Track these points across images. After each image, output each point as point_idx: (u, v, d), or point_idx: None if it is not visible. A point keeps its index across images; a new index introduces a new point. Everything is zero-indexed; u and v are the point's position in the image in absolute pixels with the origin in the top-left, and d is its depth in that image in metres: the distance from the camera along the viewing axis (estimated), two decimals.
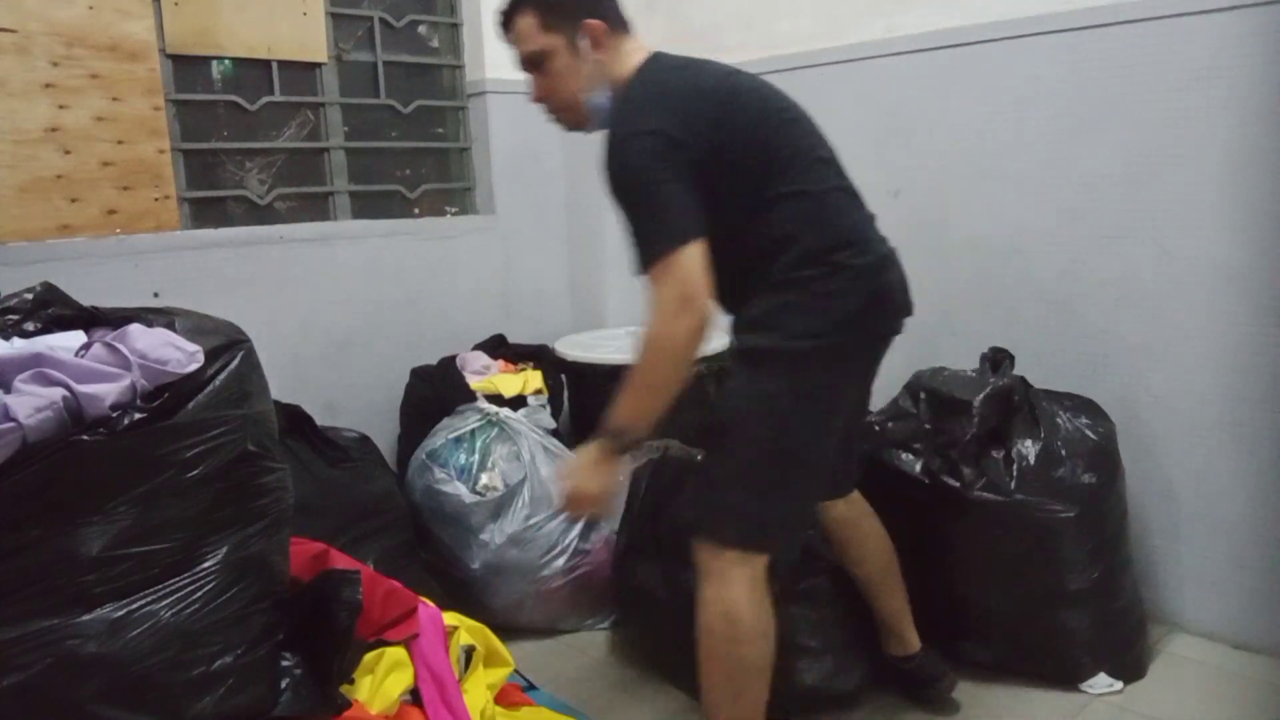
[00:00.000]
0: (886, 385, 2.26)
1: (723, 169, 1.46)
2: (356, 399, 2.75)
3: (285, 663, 1.27)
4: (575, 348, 2.78)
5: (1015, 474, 1.95)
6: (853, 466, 1.82)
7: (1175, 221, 2.08)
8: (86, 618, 1.10)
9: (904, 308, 1.59)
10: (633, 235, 1.46)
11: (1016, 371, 2.10)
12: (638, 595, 2.08)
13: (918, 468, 2.02)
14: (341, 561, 1.48)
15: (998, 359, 2.14)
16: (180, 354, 1.22)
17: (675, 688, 2.05)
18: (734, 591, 1.49)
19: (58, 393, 1.12)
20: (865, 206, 1.62)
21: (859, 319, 1.49)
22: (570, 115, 1.64)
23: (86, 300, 2.24)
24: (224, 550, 1.22)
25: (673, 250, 1.40)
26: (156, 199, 2.40)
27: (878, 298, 1.51)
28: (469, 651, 1.54)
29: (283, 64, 2.65)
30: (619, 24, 1.61)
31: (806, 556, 1.93)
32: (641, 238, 1.45)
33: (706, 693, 1.55)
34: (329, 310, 2.68)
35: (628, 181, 1.46)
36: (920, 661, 1.91)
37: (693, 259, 1.40)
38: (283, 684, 1.24)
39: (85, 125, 2.27)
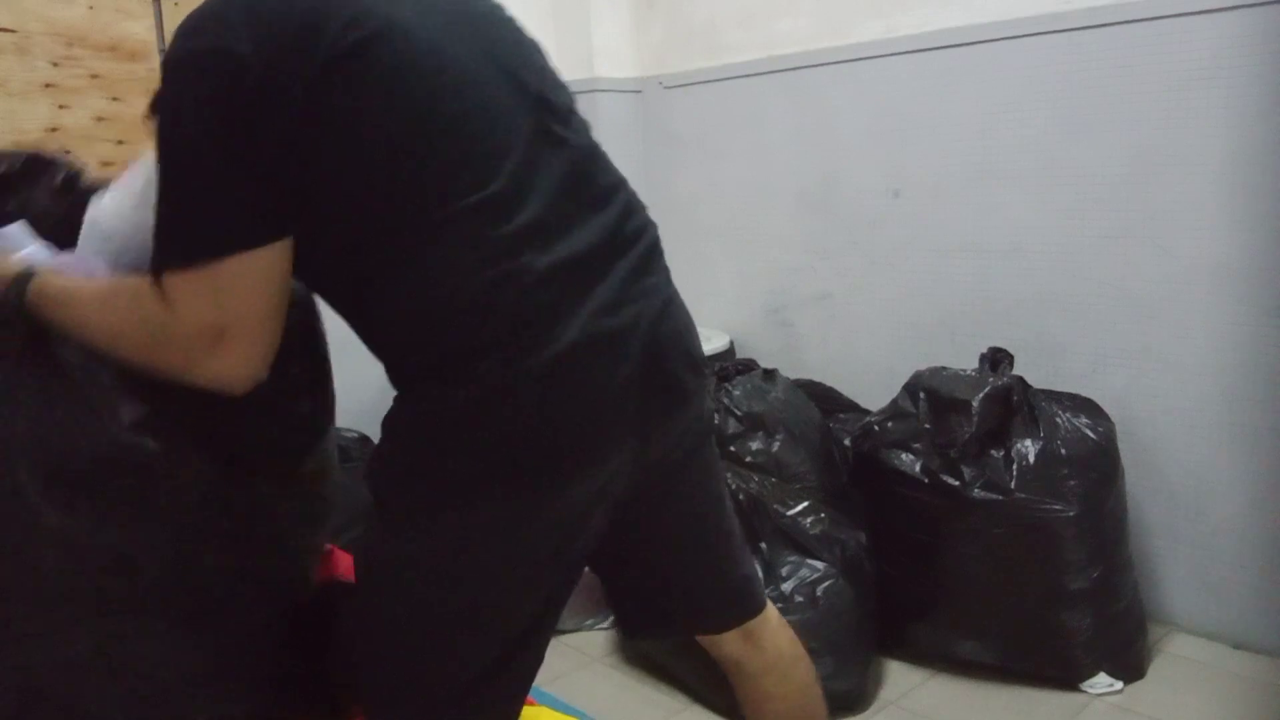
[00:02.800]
0: (887, 385, 2.27)
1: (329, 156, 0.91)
2: (356, 399, 2.74)
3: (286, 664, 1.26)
4: None
5: (1015, 474, 1.95)
6: (729, 587, 1.26)
7: (1175, 221, 2.08)
8: None
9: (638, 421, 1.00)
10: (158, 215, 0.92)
11: (1016, 371, 2.10)
12: None
13: (917, 467, 2.02)
14: (345, 561, 1.47)
15: (997, 359, 2.13)
16: None
17: (675, 688, 2.05)
18: None
19: None
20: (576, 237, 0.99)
21: (531, 458, 0.94)
22: None
23: None
24: None
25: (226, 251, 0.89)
26: None
27: (556, 421, 0.94)
28: None
29: None
30: None
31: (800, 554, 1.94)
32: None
33: None
34: (329, 310, 2.67)
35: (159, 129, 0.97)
36: None
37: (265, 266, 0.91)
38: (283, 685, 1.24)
39: (85, 125, 2.27)
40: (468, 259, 0.92)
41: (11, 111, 2.16)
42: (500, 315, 0.92)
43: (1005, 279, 2.37)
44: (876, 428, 2.11)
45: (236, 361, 0.92)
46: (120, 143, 2.32)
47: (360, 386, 2.77)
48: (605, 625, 2.30)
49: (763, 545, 1.94)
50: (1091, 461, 1.97)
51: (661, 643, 2.07)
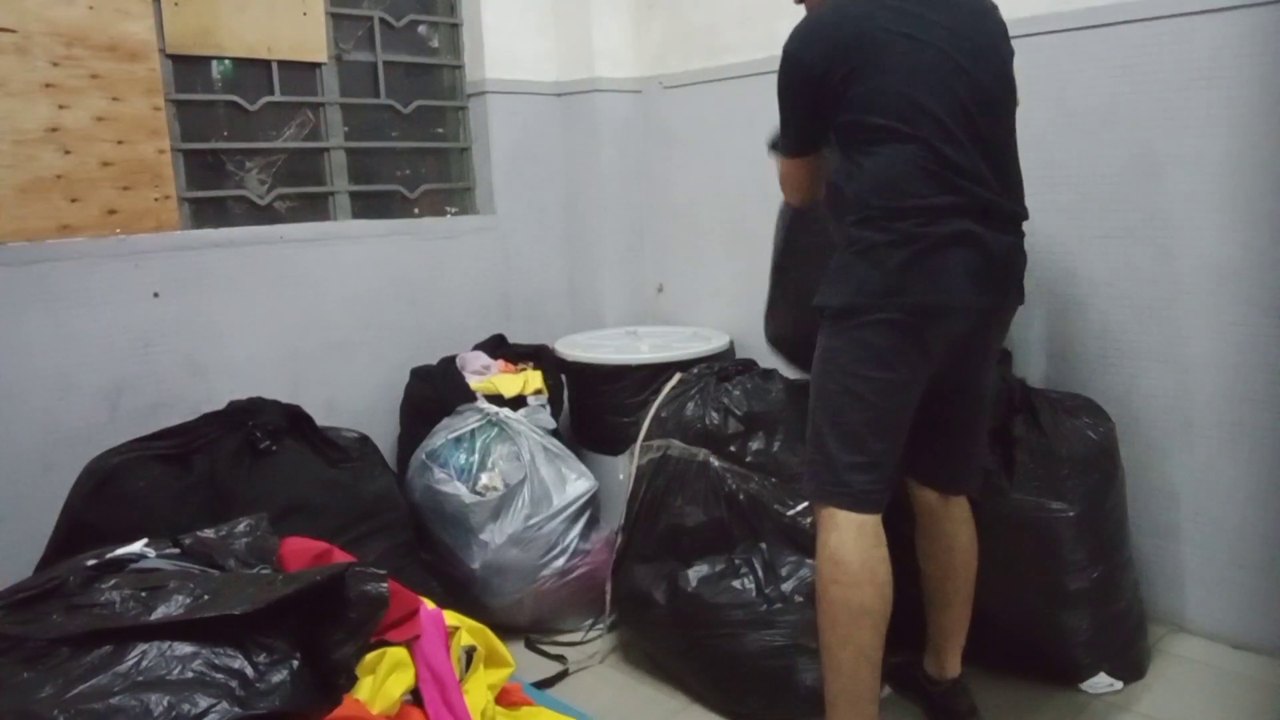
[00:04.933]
0: None
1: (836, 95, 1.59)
2: (356, 399, 2.75)
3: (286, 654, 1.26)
4: (575, 348, 2.78)
5: (1015, 474, 1.95)
6: (959, 468, 1.79)
7: (1175, 221, 2.09)
8: None
9: (954, 290, 1.55)
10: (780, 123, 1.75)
11: (1016, 372, 2.10)
12: (637, 596, 2.08)
13: None
14: (343, 559, 1.48)
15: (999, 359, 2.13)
16: None
17: (675, 688, 2.05)
18: (837, 537, 1.58)
19: None
20: (967, 172, 1.55)
21: (909, 290, 1.52)
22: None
23: (87, 300, 2.25)
24: None
25: (788, 155, 1.78)
26: (156, 199, 2.40)
27: (934, 271, 1.52)
28: (470, 652, 1.54)
29: (283, 64, 2.65)
30: None
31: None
32: (781, 128, 1.76)
33: (819, 638, 1.62)
34: (329, 310, 2.68)
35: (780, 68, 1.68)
36: (950, 690, 1.86)
37: (800, 167, 1.78)
38: (283, 676, 1.23)
39: (85, 125, 2.27)
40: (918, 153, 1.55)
41: (11, 111, 2.16)
42: (914, 193, 1.53)
43: None
44: None
45: (796, 198, 1.86)
46: (120, 143, 2.32)
47: (360, 386, 2.80)
48: (605, 626, 2.30)
49: (762, 545, 1.94)
50: (1091, 461, 1.97)
51: (662, 643, 2.07)
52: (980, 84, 1.56)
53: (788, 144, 1.73)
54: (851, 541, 1.57)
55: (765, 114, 2.88)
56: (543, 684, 2.06)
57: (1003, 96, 1.62)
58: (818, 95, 1.60)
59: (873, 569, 1.57)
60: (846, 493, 1.59)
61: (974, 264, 1.54)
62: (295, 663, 1.24)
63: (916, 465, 1.76)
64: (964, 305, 1.56)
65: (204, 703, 1.14)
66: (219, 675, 1.18)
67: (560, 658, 2.20)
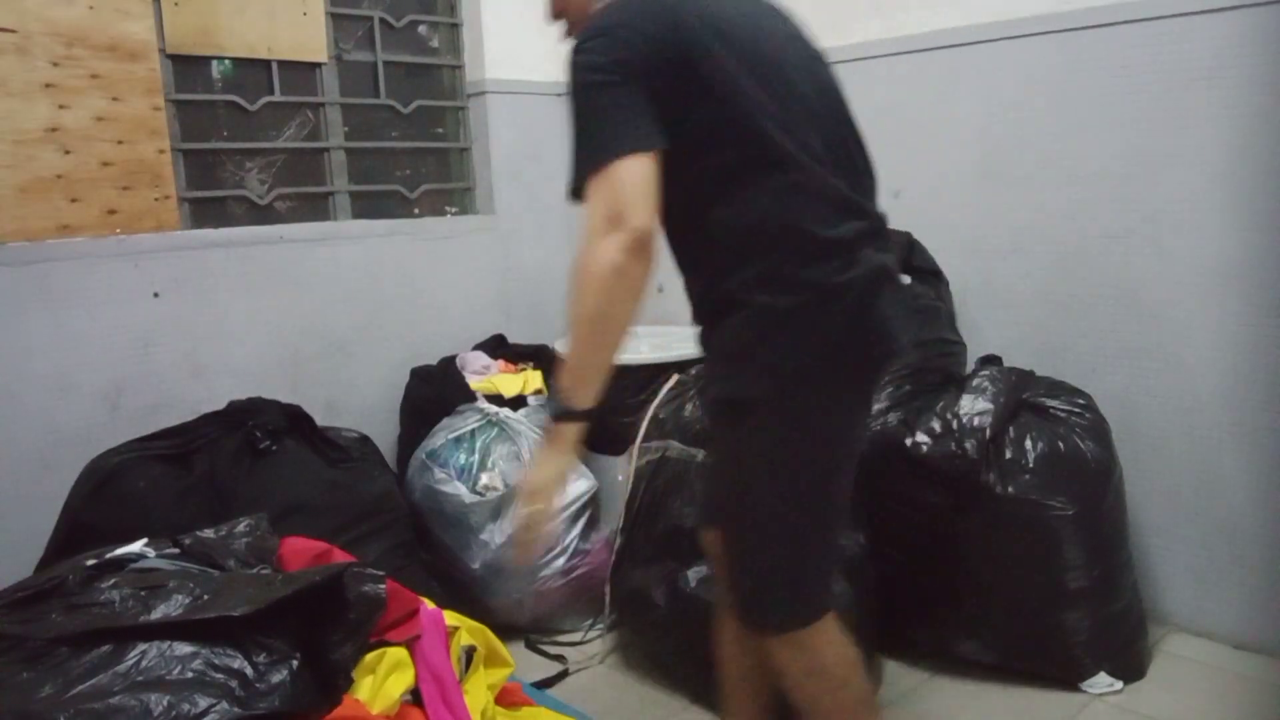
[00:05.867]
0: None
1: (690, 112, 1.22)
2: (356, 399, 2.75)
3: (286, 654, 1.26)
4: None
5: (1014, 473, 1.95)
6: None
7: (1175, 221, 2.09)
8: None
9: (897, 336, 1.29)
10: (571, 152, 1.23)
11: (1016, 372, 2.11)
12: (636, 597, 2.08)
13: (918, 467, 2.02)
14: (343, 559, 1.48)
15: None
16: None
17: (675, 688, 2.05)
18: (805, 653, 1.37)
19: None
20: (862, 204, 1.34)
21: (846, 349, 1.25)
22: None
23: (87, 300, 2.25)
24: None
25: (608, 162, 1.17)
26: (156, 199, 2.40)
27: (865, 323, 1.26)
28: (470, 652, 1.54)
29: (283, 64, 2.65)
30: None
31: None
32: (576, 151, 1.22)
33: None
34: (329, 310, 2.68)
35: (572, 85, 1.23)
36: None
37: (633, 171, 1.17)
38: (282, 676, 1.23)
39: (85, 125, 2.27)
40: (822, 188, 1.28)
41: (11, 111, 2.16)
42: (827, 235, 1.25)
43: (1005, 279, 2.37)
44: (877, 426, 2.11)
45: (640, 219, 1.20)
46: (120, 143, 2.32)
47: (360, 386, 2.79)
48: (605, 626, 2.30)
49: None
50: (1090, 461, 1.97)
51: (662, 643, 2.07)
52: (822, 78, 1.39)
53: (628, 138, 1.19)
54: (820, 649, 1.37)
55: None
56: (543, 684, 2.06)
57: (835, 83, 1.45)
58: (661, 76, 1.21)
59: (848, 656, 1.40)
60: (828, 601, 1.38)
61: (895, 303, 1.32)
62: (295, 663, 1.23)
63: None
64: (898, 351, 1.32)
65: (204, 703, 1.14)
66: (219, 675, 1.18)
67: (560, 658, 2.20)
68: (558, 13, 1.47)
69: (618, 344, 1.23)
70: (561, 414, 1.26)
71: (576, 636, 2.30)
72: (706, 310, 1.33)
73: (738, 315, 1.26)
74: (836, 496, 1.36)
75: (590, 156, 1.20)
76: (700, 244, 1.31)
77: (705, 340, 1.36)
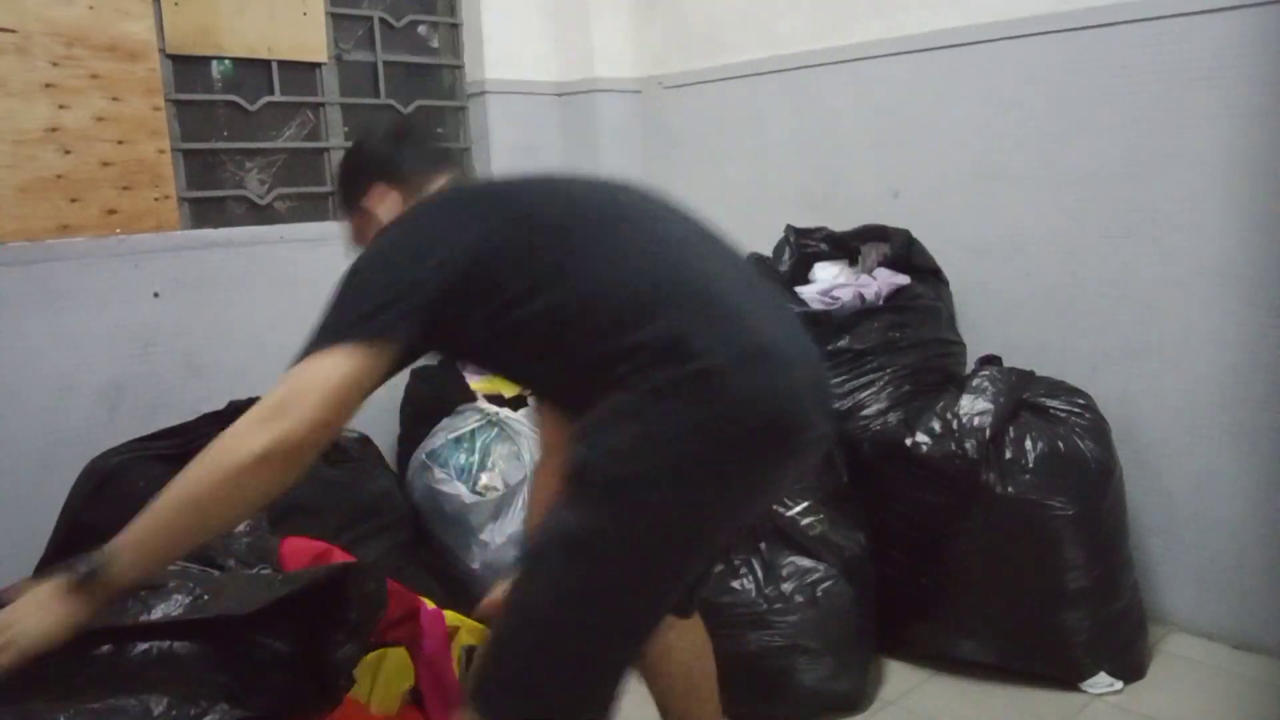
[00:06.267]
0: None
1: (507, 246, 1.15)
2: None
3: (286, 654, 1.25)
4: None
5: (1014, 473, 1.95)
6: (701, 587, 1.44)
7: (1175, 221, 2.08)
8: None
9: (804, 417, 1.11)
10: None
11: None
12: None
13: (919, 467, 2.02)
14: (343, 559, 1.47)
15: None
16: None
17: None
18: None
19: None
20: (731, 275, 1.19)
21: (728, 440, 1.06)
22: None
23: (87, 300, 2.25)
24: None
25: (318, 349, 1.08)
26: (156, 199, 2.40)
27: (755, 411, 1.07)
28: (470, 652, 1.54)
29: (283, 64, 2.65)
30: (418, 171, 1.36)
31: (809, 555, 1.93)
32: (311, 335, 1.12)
33: None
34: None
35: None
36: None
37: (332, 366, 1.06)
38: (283, 676, 1.23)
39: (85, 125, 2.27)
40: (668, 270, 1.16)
41: (11, 111, 2.16)
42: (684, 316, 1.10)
43: (1005, 279, 2.37)
44: (878, 426, 2.11)
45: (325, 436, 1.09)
46: (120, 143, 2.32)
47: None
48: None
49: (762, 545, 1.94)
50: (1090, 461, 1.97)
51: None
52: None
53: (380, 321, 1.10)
54: None
55: (765, 114, 2.90)
56: None
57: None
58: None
59: None
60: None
61: (793, 385, 1.16)
62: (295, 663, 1.24)
63: None
64: (807, 435, 1.16)
65: (204, 703, 1.14)
66: (219, 675, 1.18)
67: None
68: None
69: (203, 540, 1.10)
70: (97, 576, 1.07)
71: None
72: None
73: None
74: (641, 626, 1.15)
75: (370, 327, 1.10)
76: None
77: None
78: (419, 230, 1.19)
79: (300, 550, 1.49)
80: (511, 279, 1.13)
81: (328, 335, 1.09)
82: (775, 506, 1.95)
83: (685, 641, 1.47)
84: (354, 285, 1.15)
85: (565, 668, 1.10)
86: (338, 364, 1.07)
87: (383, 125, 1.47)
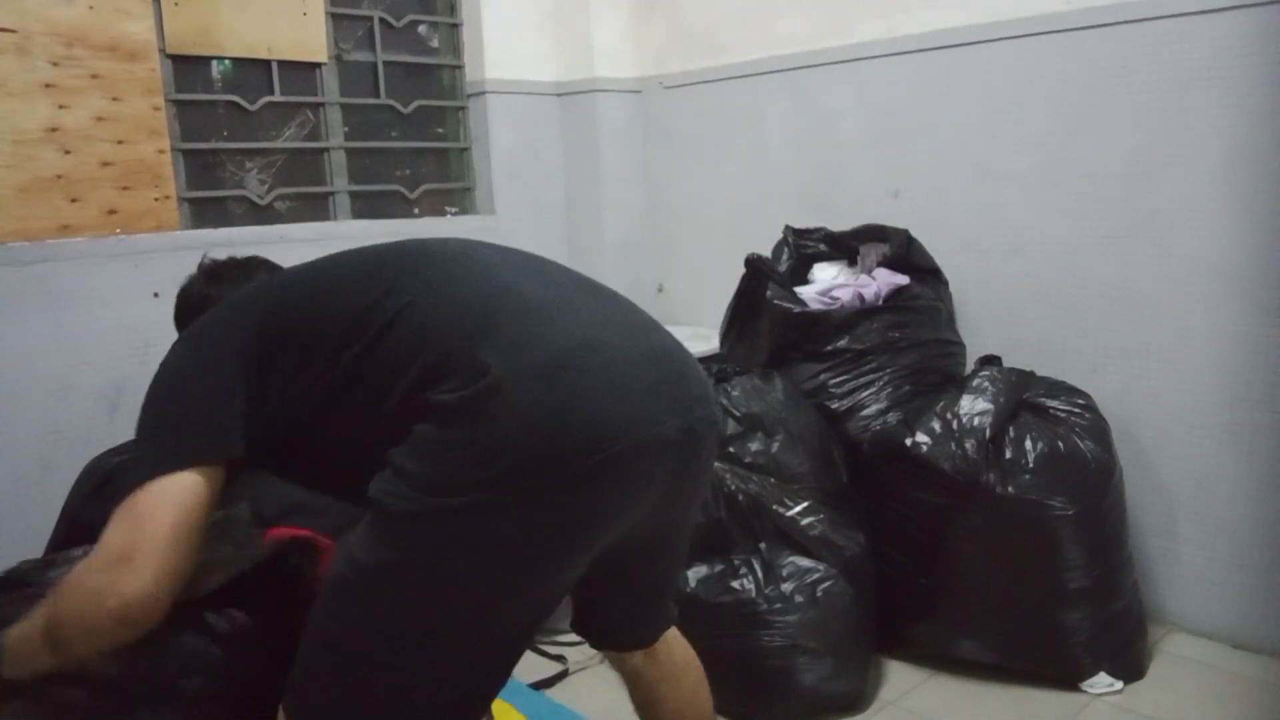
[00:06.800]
0: None
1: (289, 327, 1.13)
2: None
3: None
4: None
5: (1014, 473, 1.95)
6: (656, 612, 1.36)
7: (1175, 221, 2.08)
8: None
9: (612, 428, 1.02)
10: None
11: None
12: None
13: (919, 467, 2.02)
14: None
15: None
16: None
17: None
18: None
19: None
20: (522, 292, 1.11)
21: (525, 462, 0.98)
22: None
23: (87, 300, 2.25)
24: None
25: (147, 479, 1.03)
26: (156, 199, 2.40)
27: (541, 428, 0.99)
28: None
29: (283, 64, 2.65)
30: None
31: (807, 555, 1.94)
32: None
33: None
34: None
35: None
36: None
37: (169, 498, 1.02)
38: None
39: (85, 125, 2.27)
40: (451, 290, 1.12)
41: (11, 111, 2.16)
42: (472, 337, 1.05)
43: (1005, 279, 2.37)
44: (878, 426, 2.11)
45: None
46: (120, 143, 2.32)
47: None
48: None
49: (762, 545, 1.94)
50: (1090, 460, 1.97)
51: None
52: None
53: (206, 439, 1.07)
54: None
55: (765, 114, 2.90)
56: (542, 684, 2.06)
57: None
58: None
59: None
60: None
61: (620, 379, 1.10)
62: (263, 644, 1.23)
63: (608, 636, 1.36)
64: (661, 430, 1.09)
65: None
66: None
67: (560, 658, 2.19)
68: None
69: (48, 670, 1.07)
70: None
71: (577, 636, 2.30)
72: None
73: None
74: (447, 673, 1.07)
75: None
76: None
77: None
78: (205, 339, 1.16)
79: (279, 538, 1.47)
80: (298, 353, 1.11)
81: (153, 463, 1.04)
82: (776, 508, 1.95)
83: (677, 692, 1.38)
84: (160, 407, 1.10)
85: (370, 706, 1.04)
86: (173, 494, 1.02)
87: (198, 268, 1.50)
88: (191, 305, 1.41)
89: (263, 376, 1.11)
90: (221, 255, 2.49)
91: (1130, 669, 2.00)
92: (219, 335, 1.15)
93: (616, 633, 1.35)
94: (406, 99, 2.94)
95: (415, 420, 1.02)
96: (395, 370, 1.05)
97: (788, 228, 2.53)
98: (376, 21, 2.85)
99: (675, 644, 1.39)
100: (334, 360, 1.09)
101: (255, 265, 1.47)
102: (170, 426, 1.08)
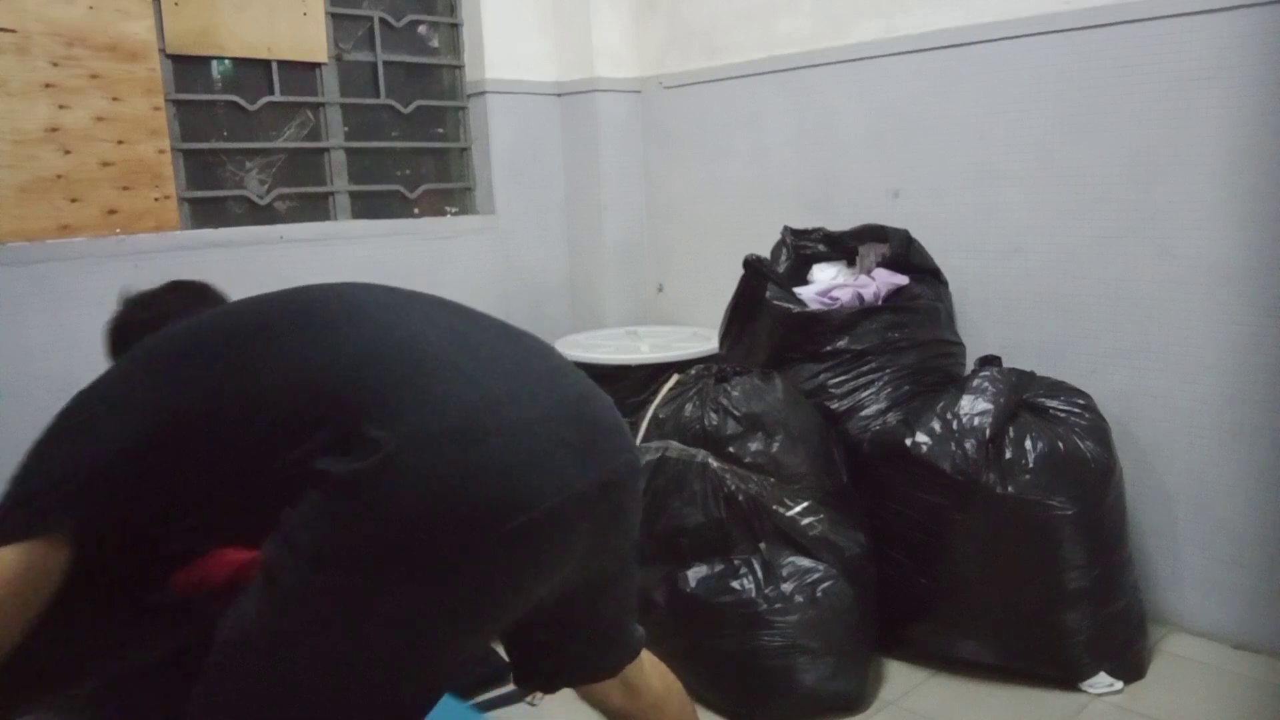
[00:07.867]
0: None
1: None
2: None
3: None
4: (575, 348, 2.78)
5: (1014, 473, 1.95)
6: (614, 642, 1.31)
7: (1175, 221, 2.08)
8: None
9: (523, 493, 0.98)
10: None
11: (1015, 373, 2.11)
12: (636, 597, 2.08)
13: (919, 467, 2.02)
14: None
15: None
16: None
17: None
18: None
19: None
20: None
21: (423, 534, 0.94)
22: None
23: (87, 300, 2.25)
24: None
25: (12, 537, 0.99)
26: (156, 199, 2.40)
27: (442, 498, 0.94)
28: None
29: (283, 64, 2.65)
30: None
31: (808, 555, 1.94)
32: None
33: None
34: None
35: None
36: None
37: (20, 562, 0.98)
38: None
39: (85, 125, 2.27)
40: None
41: (11, 111, 2.16)
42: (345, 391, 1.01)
43: (1005, 279, 2.37)
44: (878, 426, 2.11)
45: None
46: (120, 143, 2.32)
47: None
48: None
49: (762, 545, 1.94)
50: (1090, 461, 1.97)
51: (661, 644, 2.06)
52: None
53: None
54: None
55: (765, 114, 2.90)
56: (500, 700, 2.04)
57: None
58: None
59: None
60: None
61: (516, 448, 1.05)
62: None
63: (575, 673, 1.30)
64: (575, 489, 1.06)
65: None
66: None
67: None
68: None
69: None
70: None
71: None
72: None
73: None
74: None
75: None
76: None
77: None
78: (102, 393, 1.10)
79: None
80: (207, 439, 1.04)
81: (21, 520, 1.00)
82: (776, 508, 1.95)
83: (674, 706, 1.36)
84: (27, 456, 1.04)
85: None
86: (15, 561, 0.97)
87: (126, 297, 1.48)
88: (119, 337, 1.39)
89: (156, 458, 1.03)
90: (220, 256, 2.50)
91: (1130, 669, 2.00)
92: (117, 399, 1.08)
93: (570, 671, 1.28)
94: (406, 99, 2.94)
95: (306, 483, 0.96)
96: (290, 430, 0.99)
97: (786, 228, 2.53)
98: (376, 21, 2.85)
99: (652, 673, 1.35)
100: (240, 432, 1.02)
101: (170, 309, 1.38)
102: (15, 485, 1.02)
